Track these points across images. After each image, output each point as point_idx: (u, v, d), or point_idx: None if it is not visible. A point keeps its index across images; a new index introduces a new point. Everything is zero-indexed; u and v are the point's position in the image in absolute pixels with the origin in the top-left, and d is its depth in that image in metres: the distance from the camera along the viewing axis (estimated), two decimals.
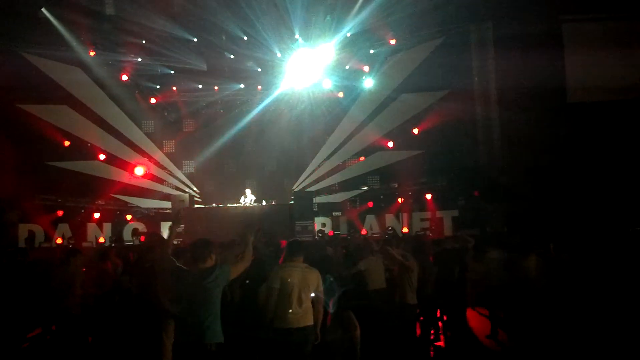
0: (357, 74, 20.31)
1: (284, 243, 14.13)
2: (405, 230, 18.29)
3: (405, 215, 18.72)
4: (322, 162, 21.25)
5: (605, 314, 8.62)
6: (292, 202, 19.24)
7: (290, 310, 6.21)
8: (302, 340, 6.28)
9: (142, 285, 7.51)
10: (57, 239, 17.42)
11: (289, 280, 6.30)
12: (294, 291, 6.26)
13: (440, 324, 9.99)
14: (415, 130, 20.13)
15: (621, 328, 8.35)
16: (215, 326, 5.42)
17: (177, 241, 16.69)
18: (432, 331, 9.64)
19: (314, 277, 6.49)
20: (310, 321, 6.38)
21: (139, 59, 19.30)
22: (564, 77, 17.89)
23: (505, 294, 9.47)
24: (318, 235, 17.47)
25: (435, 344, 9.53)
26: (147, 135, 20.61)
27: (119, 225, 18.49)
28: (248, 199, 18.67)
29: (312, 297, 6.44)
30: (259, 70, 20.04)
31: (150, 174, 20.44)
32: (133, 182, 20.02)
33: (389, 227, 18.09)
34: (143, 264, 8.32)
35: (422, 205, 19.18)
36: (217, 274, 5.52)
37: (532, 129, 16.84)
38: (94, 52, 18.65)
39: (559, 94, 17.70)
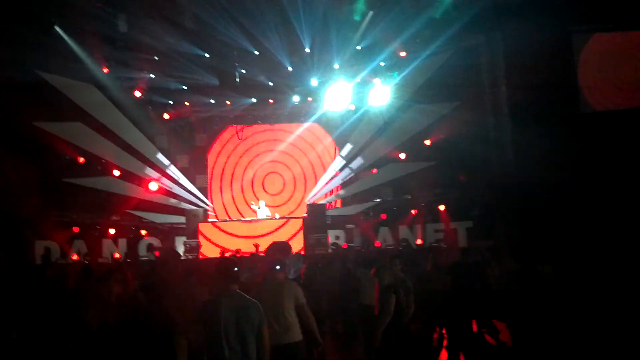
0: (368, 86, 20.36)
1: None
2: (419, 241, 18.26)
3: (419, 227, 18.70)
4: (335, 174, 21.28)
5: (618, 328, 8.56)
6: (305, 214, 19.34)
7: (270, 327, 6.11)
8: (288, 358, 6.19)
9: (154, 302, 7.55)
10: (72, 255, 17.52)
11: (262, 298, 6.25)
12: (268, 309, 6.13)
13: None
14: (427, 142, 20.14)
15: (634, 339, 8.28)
16: None
17: (190, 256, 16.93)
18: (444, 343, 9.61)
19: (287, 290, 6.37)
20: (295, 337, 6.29)
21: (152, 75, 19.45)
22: (575, 87, 17.85)
23: (520, 305, 9.42)
24: (332, 248, 17.52)
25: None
26: (161, 150, 20.70)
27: (134, 241, 18.56)
28: (263, 212, 18.75)
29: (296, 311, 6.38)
30: (271, 84, 20.14)
31: (164, 189, 20.52)
32: (147, 197, 20.10)
33: (402, 238, 18.09)
34: (156, 280, 8.40)
35: (435, 216, 19.15)
36: (252, 311, 5.41)
37: (544, 138, 16.77)
38: (107, 69, 18.81)
39: (571, 104, 17.65)
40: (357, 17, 17.63)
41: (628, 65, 17.69)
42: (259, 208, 18.97)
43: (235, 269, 5.59)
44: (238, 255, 14.25)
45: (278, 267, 6.56)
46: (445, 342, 9.57)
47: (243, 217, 19.89)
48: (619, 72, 17.75)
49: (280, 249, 13.66)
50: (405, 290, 8.49)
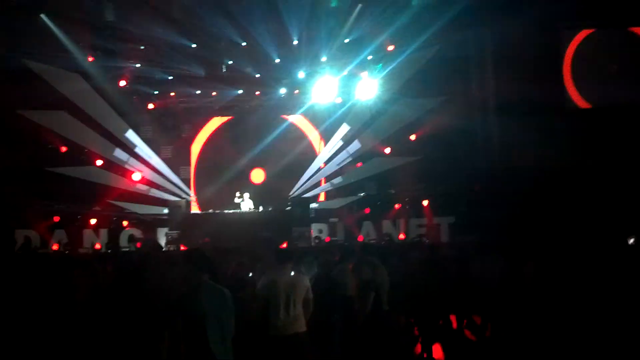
0: (355, 79, 20.32)
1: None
2: (402, 236, 18.28)
3: (402, 222, 18.71)
4: (319, 168, 21.21)
5: (599, 322, 8.56)
6: (288, 208, 19.29)
7: (279, 318, 6.19)
8: (294, 348, 6.25)
9: (134, 293, 7.48)
10: (53, 245, 17.39)
11: (275, 287, 6.28)
12: (281, 298, 6.23)
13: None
14: (413, 137, 20.11)
15: (615, 335, 8.28)
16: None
17: (170, 247, 16.80)
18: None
19: (300, 283, 6.48)
20: (302, 328, 6.38)
21: (138, 65, 19.30)
22: (562, 83, 17.91)
23: (502, 301, 9.42)
24: (315, 242, 17.49)
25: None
26: (145, 140, 20.45)
27: (115, 232, 18.42)
28: (246, 204, 18.67)
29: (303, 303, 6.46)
30: (257, 76, 20.05)
31: (147, 179, 20.35)
32: (130, 188, 19.92)
33: (385, 233, 18.10)
34: (137, 271, 8.30)
35: (419, 211, 19.17)
36: (229, 300, 5.43)
37: (530, 134, 16.82)
38: (93, 58, 18.64)
39: (557, 100, 17.72)
40: (334, 4, 17.57)
41: (614, 62, 17.77)
42: (242, 201, 18.88)
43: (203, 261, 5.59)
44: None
45: (292, 273, 6.65)
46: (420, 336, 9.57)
47: (227, 209, 19.77)
48: (605, 69, 17.84)
49: (264, 242, 13.66)
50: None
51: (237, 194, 19.75)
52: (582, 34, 17.95)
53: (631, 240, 11.59)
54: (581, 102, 17.86)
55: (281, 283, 6.36)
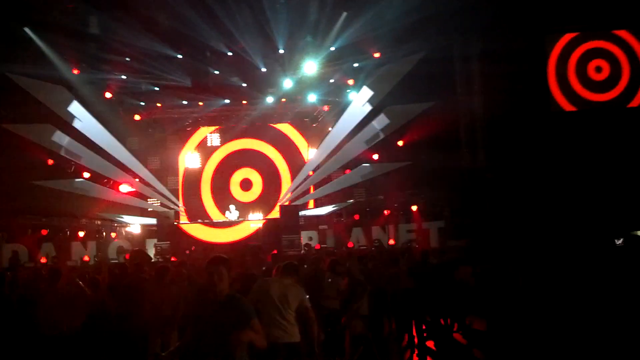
0: (342, 87, 20.36)
1: (274, 252, 14.12)
2: (391, 242, 18.30)
3: (391, 227, 18.73)
4: (308, 175, 21.19)
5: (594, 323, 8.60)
6: (278, 216, 19.27)
7: (269, 326, 6.11)
8: (287, 357, 6.18)
9: (125, 304, 7.44)
10: (41, 258, 17.26)
11: (268, 294, 6.23)
12: (274, 306, 6.18)
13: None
14: (400, 142, 20.15)
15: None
16: None
17: (159, 258, 16.70)
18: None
19: (295, 293, 6.34)
20: (295, 338, 6.26)
21: (123, 77, 19.20)
22: (547, 86, 18.00)
23: (495, 303, 9.47)
24: (304, 249, 17.47)
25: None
26: (132, 152, 20.29)
27: (104, 244, 18.32)
28: (232, 214, 18.64)
29: (298, 313, 6.36)
30: (244, 85, 20.03)
31: (135, 191, 20.25)
32: (118, 199, 19.79)
33: (375, 239, 18.11)
34: (127, 282, 8.25)
35: (408, 216, 19.21)
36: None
37: (516, 138, 16.91)
38: (78, 71, 18.54)
39: (542, 104, 17.81)
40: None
41: (596, 64, 17.93)
42: (230, 213, 18.85)
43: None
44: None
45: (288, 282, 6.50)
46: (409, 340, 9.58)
47: (216, 219, 19.74)
48: (588, 72, 17.97)
49: (253, 252, 13.65)
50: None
51: (227, 210, 19.74)
52: (566, 37, 18.08)
53: (619, 241, 11.69)
54: (566, 105, 17.96)
55: (273, 292, 6.25)
